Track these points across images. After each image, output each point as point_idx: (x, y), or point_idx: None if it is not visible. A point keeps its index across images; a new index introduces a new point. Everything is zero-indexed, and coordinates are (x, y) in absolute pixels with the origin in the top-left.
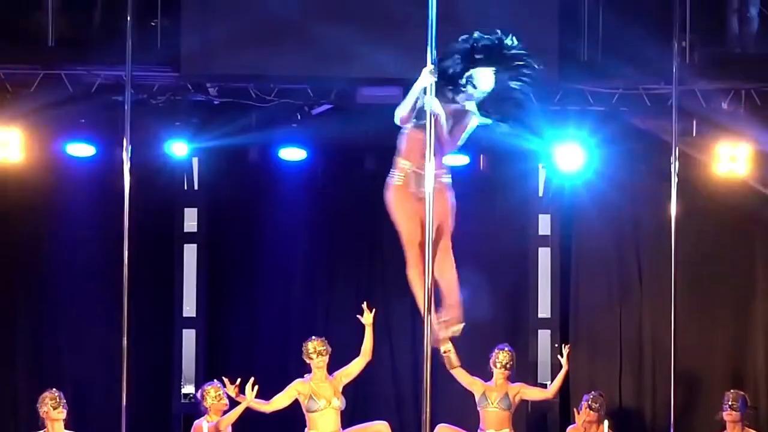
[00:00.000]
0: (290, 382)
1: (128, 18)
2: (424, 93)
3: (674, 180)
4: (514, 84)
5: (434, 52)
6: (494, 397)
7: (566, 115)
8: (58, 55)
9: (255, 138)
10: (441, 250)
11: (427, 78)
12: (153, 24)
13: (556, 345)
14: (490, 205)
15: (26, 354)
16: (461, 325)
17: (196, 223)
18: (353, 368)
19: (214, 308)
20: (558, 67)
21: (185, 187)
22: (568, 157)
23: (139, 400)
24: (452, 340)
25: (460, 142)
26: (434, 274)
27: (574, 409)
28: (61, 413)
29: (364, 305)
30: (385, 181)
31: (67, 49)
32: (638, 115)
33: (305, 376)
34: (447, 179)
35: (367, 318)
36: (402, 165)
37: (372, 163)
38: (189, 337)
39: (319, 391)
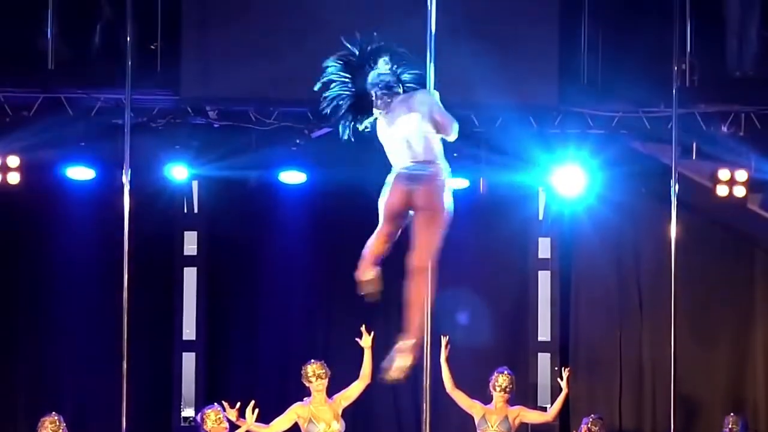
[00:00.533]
0: (290, 406)
1: (128, 41)
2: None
3: (674, 203)
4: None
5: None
6: (494, 420)
7: (566, 138)
8: (58, 78)
9: (255, 161)
10: (421, 229)
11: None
12: (153, 47)
13: (556, 368)
14: (490, 229)
15: (26, 377)
16: (407, 363)
17: (195, 247)
18: (352, 391)
19: (213, 331)
20: (558, 89)
21: (185, 211)
22: (568, 180)
23: (139, 423)
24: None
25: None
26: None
27: (573, 431)
28: None
29: (363, 328)
30: None
31: (67, 73)
32: (638, 138)
33: (305, 399)
34: (440, 177)
35: (366, 341)
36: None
37: (372, 186)
38: (189, 360)
39: (319, 415)
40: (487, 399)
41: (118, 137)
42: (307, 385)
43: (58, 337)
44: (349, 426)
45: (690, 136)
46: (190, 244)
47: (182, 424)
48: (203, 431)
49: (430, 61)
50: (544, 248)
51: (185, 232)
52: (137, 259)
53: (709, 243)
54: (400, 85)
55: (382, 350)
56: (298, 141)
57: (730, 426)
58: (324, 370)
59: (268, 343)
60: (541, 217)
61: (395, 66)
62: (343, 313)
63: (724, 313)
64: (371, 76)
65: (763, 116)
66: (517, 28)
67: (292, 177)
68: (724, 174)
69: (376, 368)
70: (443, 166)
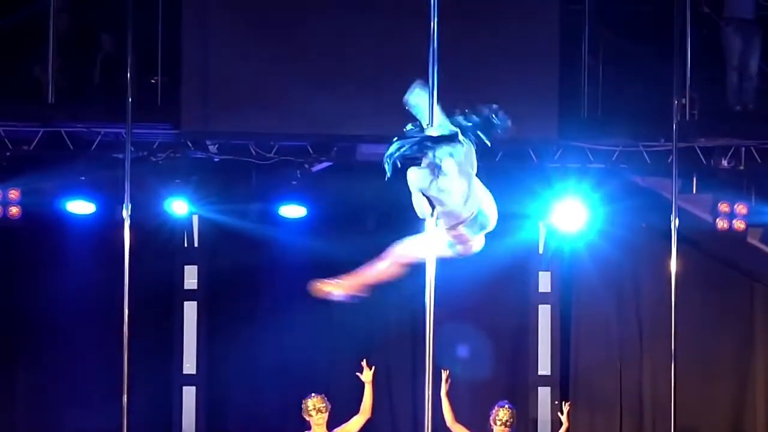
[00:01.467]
0: None
1: (128, 75)
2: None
3: (674, 237)
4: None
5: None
6: None
7: (566, 172)
8: (59, 112)
9: (255, 195)
10: None
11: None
12: (153, 81)
13: (557, 402)
14: (491, 262)
15: (27, 410)
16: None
17: (196, 281)
18: (352, 426)
19: (214, 365)
20: (558, 124)
21: (185, 245)
22: (568, 214)
23: None
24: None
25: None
26: None
27: None
28: None
29: (364, 363)
30: (386, 235)
31: (67, 107)
32: (638, 172)
33: None
34: None
35: (367, 375)
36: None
37: (372, 220)
38: (189, 393)
39: None
40: None
41: (118, 171)
42: (307, 418)
43: (58, 370)
44: None
45: (690, 170)
46: (191, 278)
47: None
48: None
49: (431, 95)
50: (545, 282)
51: (185, 266)
52: (137, 293)
53: (709, 277)
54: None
55: (382, 385)
56: (298, 174)
57: None
58: (324, 404)
59: (268, 377)
60: (541, 251)
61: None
62: (343, 348)
63: (724, 347)
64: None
65: (763, 150)
66: (517, 62)
67: (292, 211)
68: (724, 208)
69: (377, 403)
70: None
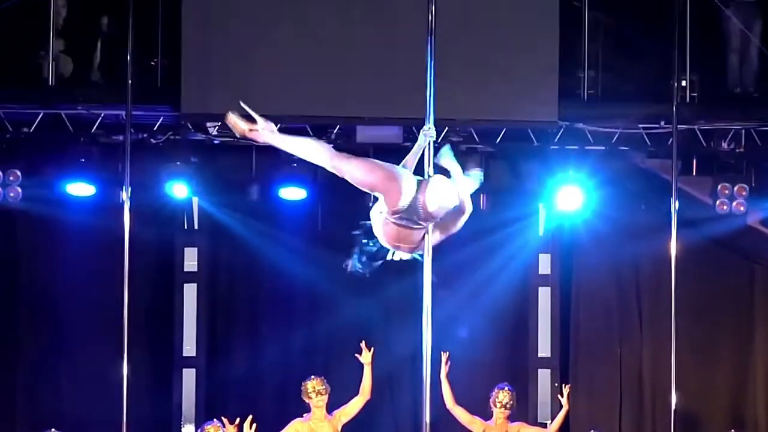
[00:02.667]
0: (290, 422)
1: (128, 58)
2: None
3: (674, 219)
4: None
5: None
6: None
7: (566, 155)
8: (59, 94)
9: (255, 177)
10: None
11: (425, 138)
12: (153, 63)
13: (556, 384)
14: (491, 245)
15: (26, 393)
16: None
17: (196, 263)
18: (352, 407)
19: (214, 347)
20: (558, 106)
21: (185, 227)
22: (568, 196)
23: None
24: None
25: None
26: None
27: None
28: None
29: (363, 344)
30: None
31: (67, 89)
32: (638, 155)
33: (304, 415)
34: None
35: (366, 357)
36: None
37: (372, 201)
38: (189, 375)
39: (318, 431)
40: (487, 415)
41: (118, 153)
42: (306, 401)
43: (57, 352)
44: None
45: (690, 153)
46: (191, 260)
47: None
48: None
49: (431, 78)
50: (545, 264)
51: (185, 248)
52: (137, 276)
53: (709, 259)
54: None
55: (382, 367)
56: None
57: None
58: (324, 386)
59: (268, 359)
60: (541, 233)
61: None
62: (343, 329)
63: (724, 329)
64: None
65: (763, 132)
66: (518, 45)
67: (292, 193)
68: (724, 190)
69: (377, 384)
70: None
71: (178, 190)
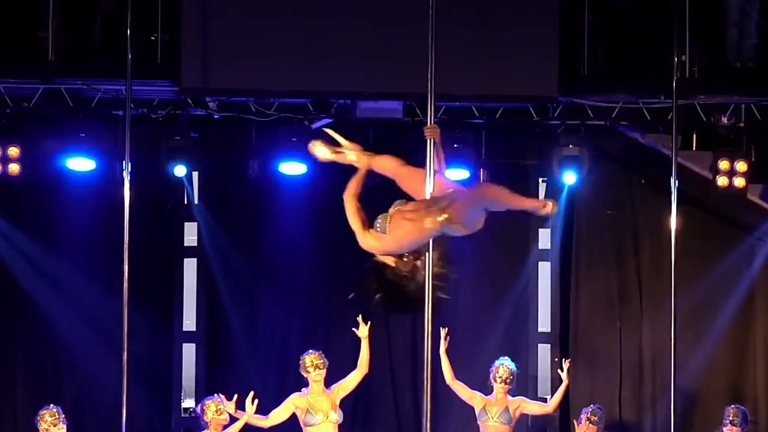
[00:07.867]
0: (288, 396)
1: (128, 33)
2: None
3: (674, 194)
4: None
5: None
6: (494, 411)
7: (566, 129)
8: (59, 69)
9: (255, 152)
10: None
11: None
12: (153, 38)
13: (556, 359)
14: (490, 220)
15: (25, 369)
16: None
17: (196, 238)
18: (350, 381)
19: (214, 322)
20: (558, 81)
21: (185, 201)
22: (567, 171)
23: (139, 414)
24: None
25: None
26: None
27: (574, 421)
28: (61, 429)
29: (359, 318)
30: (383, 194)
31: (67, 64)
32: (638, 129)
33: (303, 389)
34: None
35: (363, 331)
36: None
37: (372, 176)
38: (189, 350)
39: (317, 405)
40: (487, 390)
41: (118, 128)
42: (305, 375)
43: (57, 328)
44: (348, 416)
45: (690, 127)
46: (191, 235)
47: (183, 415)
48: (203, 422)
49: (431, 52)
50: (545, 239)
51: (185, 223)
52: (137, 250)
53: (709, 234)
54: None
55: (382, 341)
56: (298, 131)
57: (730, 417)
58: (322, 361)
59: (267, 334)
60: None
61: None
62: (342, 304)
63: (724, 304)
64: None
65: (763, 107)
66: (518, 19)
67: (292, 168)
68: (724, 165)
69: (377, 358)
70: None
71: (178, 165)
